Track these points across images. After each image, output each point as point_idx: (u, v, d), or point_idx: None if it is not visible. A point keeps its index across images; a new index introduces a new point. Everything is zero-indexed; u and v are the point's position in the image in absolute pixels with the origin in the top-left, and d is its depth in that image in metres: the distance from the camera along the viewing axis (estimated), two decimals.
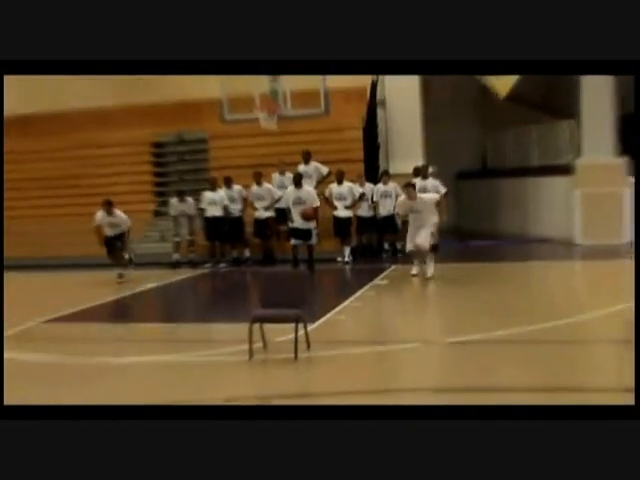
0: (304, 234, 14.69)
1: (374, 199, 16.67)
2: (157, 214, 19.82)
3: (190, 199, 17.00)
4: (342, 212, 16.17)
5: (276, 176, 17.00)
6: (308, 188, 14.98)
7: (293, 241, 14.71)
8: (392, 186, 16.61)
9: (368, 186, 16.67)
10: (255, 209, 16.47)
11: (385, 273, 14.27)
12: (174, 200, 17.13)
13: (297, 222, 14.72)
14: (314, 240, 14.79)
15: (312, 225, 14.70)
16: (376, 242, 17.25)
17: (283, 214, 16.42)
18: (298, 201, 14.67)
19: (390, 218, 16.46)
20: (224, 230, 16.46)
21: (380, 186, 16.80)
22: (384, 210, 16.58)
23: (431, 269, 13.03)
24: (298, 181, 14.83)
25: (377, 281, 13.25)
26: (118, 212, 14.72)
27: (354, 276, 14.54)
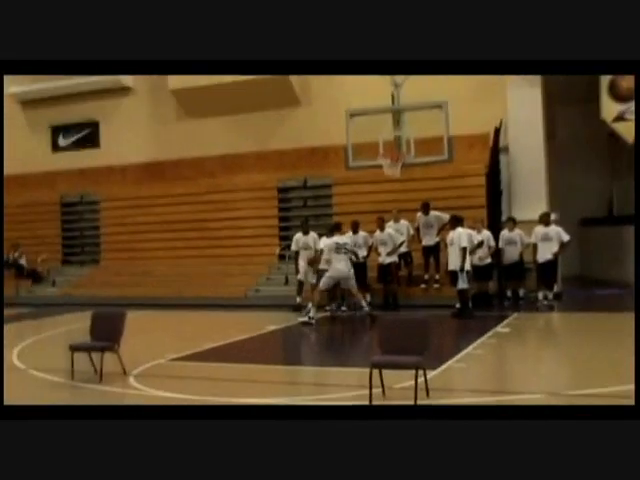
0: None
1: (499, 246, 16.39)
2: (281, 258, 19.92)
3: (314, 233, 16.95)
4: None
5: (390, 224, 17.02)
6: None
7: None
8: (517, 233, 16.40)
9: (485, 233, 16.21)
10: (379, 254, 16.41)
11: (507, 321, 13.96)
12: (298, 235, 17.10)
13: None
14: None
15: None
16: (496, 289, 16.85)
17: (406, 259, 16.88)
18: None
19: (515, 265, 16.31)
20: None
21: (505, 232, 16.54)
22: (509, 257, 16.38)
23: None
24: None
25: (499, 328, 12.96)
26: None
27: (475, 323, 14.19)
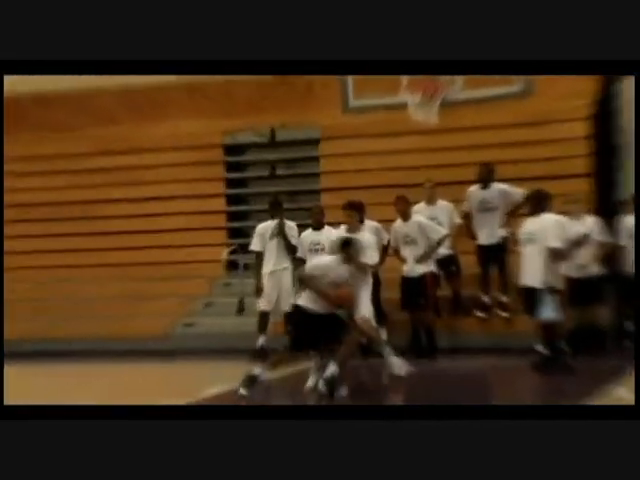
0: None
1: (616, 243, 16.18)
2: (232, 266, 19.94)
3: (291, 223, 16.88)
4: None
5: (421, 207, 16.96)
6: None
7: None
8: None
9: (589, 221, 16.05)
10: (402, 260, 16.16)
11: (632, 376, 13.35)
12: (264, 224, 16.97)
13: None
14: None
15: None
16: (611, 320, 16.59)
17: (449, 269, 16.99)
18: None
19: None
20: None
21: (628, 220, 16.17)
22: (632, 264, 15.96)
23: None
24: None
25: (617, 391, 12.51)
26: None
27: (573, 381, 13.81)
